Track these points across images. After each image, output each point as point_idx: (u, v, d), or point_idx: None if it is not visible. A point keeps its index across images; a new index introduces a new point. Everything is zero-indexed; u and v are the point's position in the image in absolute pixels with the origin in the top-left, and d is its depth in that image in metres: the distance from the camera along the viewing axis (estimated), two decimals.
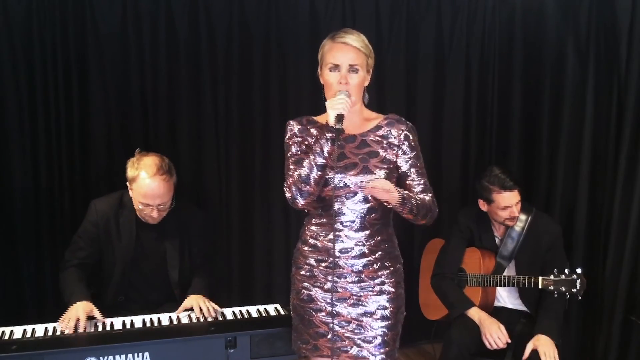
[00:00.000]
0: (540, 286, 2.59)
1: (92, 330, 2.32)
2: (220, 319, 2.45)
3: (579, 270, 2.55)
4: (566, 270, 2.56)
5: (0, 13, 2.89)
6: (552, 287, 2.56)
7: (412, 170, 2.04)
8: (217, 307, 2.48)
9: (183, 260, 2.65)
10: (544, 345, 2.53)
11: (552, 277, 2.57)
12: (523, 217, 2.79)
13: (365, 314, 2.05)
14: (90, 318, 2.37)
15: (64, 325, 2.30)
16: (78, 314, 2.33)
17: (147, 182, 2.43)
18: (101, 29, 3.03)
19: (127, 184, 2.51)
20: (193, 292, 2.56)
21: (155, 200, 2.46)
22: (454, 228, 2.94)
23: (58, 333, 2.28)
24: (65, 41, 2.99)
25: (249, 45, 3.25)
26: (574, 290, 2.54)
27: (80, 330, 2.30)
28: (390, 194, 1.87)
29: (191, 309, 2.48)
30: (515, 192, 2.72)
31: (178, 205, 2.64)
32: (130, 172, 2.48)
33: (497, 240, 2.85)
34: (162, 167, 2.46)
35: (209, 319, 2.42)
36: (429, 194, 2.05)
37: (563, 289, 2.55)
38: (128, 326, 2.35)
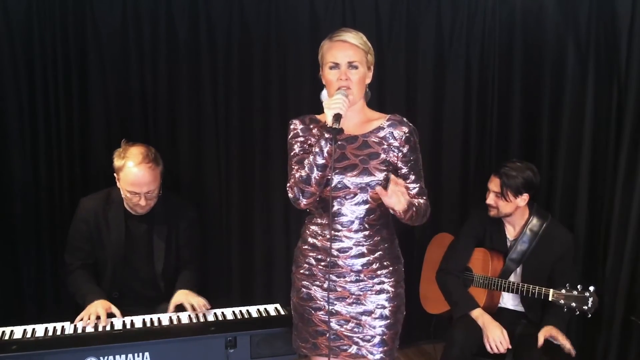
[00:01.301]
0: (550, 298, 2.54)
1: (92, 330, 2.32)
2: (220, 318, 2.45)
3: (591, 288, 2.49)
4: (579, 287, 2.50)
5: (0, 13, 2.89)
6: (562, 301, 2.51)
7: (411, 173, 2.05)
8: (206, 302, 2.48)
9: (169, 252, 2.66)
10: (557, 334, 2.53)
11: (563, 291, 2.51)
12: (538, 222, 2.76)
13: (364, 313, 2.05)
14: (110, 315, 2.39)
15: (84, 321, 2.32)
16: (98, 311, 2.35)
17: (134, 170, 2.46)
18: (101, 29, 3.03)
19: (115, 174, 2.53)
20: (181, 287, 2.56)
21: (143, 188, 2.48)
22: (466, 225, 2.93)
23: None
24: (65, 41, 2.99)
25: (249, 45, 3.25)
26: (585, 307, 2.47)
27: (101, 327, 2.31)
28: (400, 202, 1.87)
29: (181, 306, 2.48)
30: (495, 180, 2.74)
31: (169, 196, 2.66)
32: (117, 161, 2.51)
33: (508, 243, 2.82)
34: (148, 156, 2.49)
35: (200, 317, 2.42)
36: (423, 197, 2.07)
37: (574, 304, 2.48)
38: (128, 326, 2.35)
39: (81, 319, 2.35)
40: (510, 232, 2.83)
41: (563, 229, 2.81)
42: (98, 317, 2.35)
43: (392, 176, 1.89)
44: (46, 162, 3.02)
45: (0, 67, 2.92)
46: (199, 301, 2.47)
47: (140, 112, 3.15)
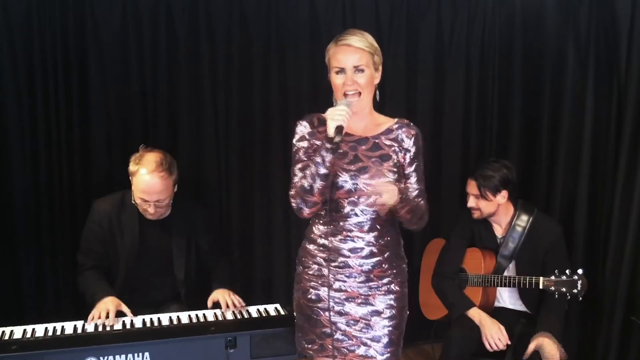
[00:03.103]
0: (541, 286, 2.59)
1: (93, 330, 2.32)
2: (220, 318, 2.45)
3: (580, 271, 2.55)
4: (567, 271, 2.56)
5: (0, 13, 2.89)
6: (552, 288, 2.56)
7: (413, 175, 2.07)
8: (241, 301, 2.53)
9: (189, 259, 2.67)
10: (547, 344, 2.52)
11: (553, 277, 2.57)
12: (524, 217, 2.79)
13: (373, 313, 2.06)
14: (119, 314, 2.41)
15: (95, 318, 2.34)
16: (108, 307, 2.37)
17: (145, 178, 2.46)
18: (101, 29, 3.03)
19: (129, 178, 2.54)
20: (218, 286, 2.60)
21: (152, 196, 2.48)
22: (455, 227, 2.95)
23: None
24: (65, 41, 2.99)
25: (249, 45, 3.25)
26: (575, 291, 2.54)
27: (110, 323, 2.34)
28: (393, 195, 1.90)
29: (218, 303, 2.52)
30: (472, 183, 2.79)
31: (184, 203, 2.66)
32: (131, 166, 2.52)
33: (498, 240, 2.85)
34: (162, 165, 2.49)
35: (200, 317, 2.43)
36: (422, 200, 2.08)
37: (564, 289, 2.54)
38: (128, 326, 2.35)
39: (92, 317, 2.36)
40: (498, 230, 2.86)
41: (550, 221, 2.85)
42: (108, 315, 2.37)
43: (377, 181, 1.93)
44: (46, 162, 3.02)
45: (0, 67, 2.92)
46: (234, 299, 2.52)
47: (140, 112, 3.15)
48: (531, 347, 2.55)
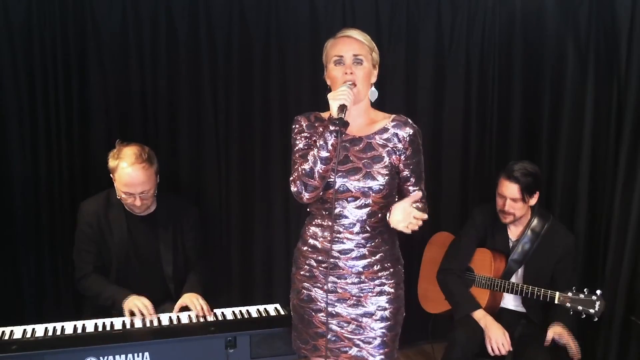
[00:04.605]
0: (556, 301, 2.53)
1: (93, 330, 2.32)
2: (220, 318, 2.45)
3: (599, 292, 2.48)
4: (585, 290, 2.50)
5: (0, 13, 2.89)
6: (568, 305, 2.50)
7: (413, 175, 2.04)
8: (207, 307, 2.48)
9: (176, 254, 2.67)
10: (564, 332, 2.52)
11: (570, 294, 2.51)
12: (539, 222, 2.75)
13: (364, 315, 2.05)
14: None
15: (138, 315, 2.41)
16: (144, 303, 2.44)
17: (127, 171, 2.46)
18: (101, 29, 3.03)
19: (110, 175, 2.54)
20: (187, 290, 2.58)
21: (137, 189, 2.48)
22: (469, 224, 2.91)
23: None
24: (65, 41, 2.99)
25: (249, 45, 3.25)
26: (592, 311, 2.46)
27: (153, 314, 2.43)
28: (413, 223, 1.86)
29: (187, 307, 2.50)
30: (514, 186, 2.67)
31: (169, 197, 2.67)
32: (111, 162, 2.52)
33: (510, 243, 2.81)
34: (141, 156, 2.49)
35: (201, 319, 2.43)
36: (423, 200, 2.06)
37: (580, 308, 2.48)
38: (128, 326, 2.36)
39: (133, 313, 2.42)
40: (513, 233, 2.82)
41: (565, 230, 2.81)
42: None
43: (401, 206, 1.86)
44: (46, 163, 3.02)
45: (0, 67, 2.92)
46: (202, 304, 2.48)
47: (140, 112, 3.15)
48: (550, 334, 2.53)
